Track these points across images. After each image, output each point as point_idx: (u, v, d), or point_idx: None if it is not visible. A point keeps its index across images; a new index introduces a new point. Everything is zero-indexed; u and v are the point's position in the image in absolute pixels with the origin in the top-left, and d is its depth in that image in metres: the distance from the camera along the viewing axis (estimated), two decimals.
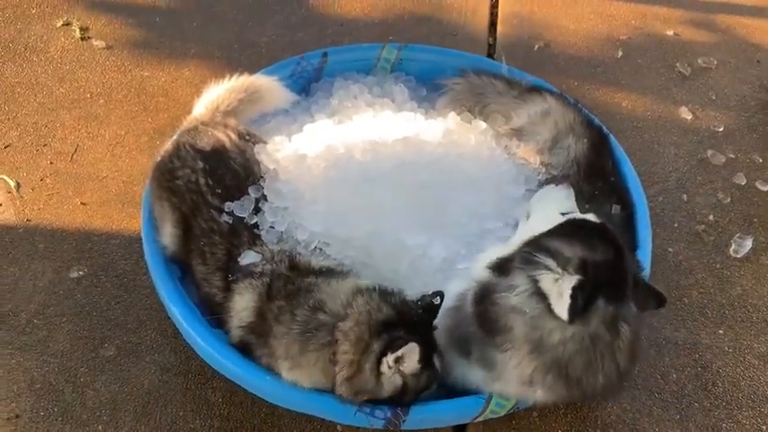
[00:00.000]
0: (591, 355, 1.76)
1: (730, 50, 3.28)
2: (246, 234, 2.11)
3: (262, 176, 2.23)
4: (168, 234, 2.20)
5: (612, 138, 2.50)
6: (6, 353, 2.28)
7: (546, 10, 3.42)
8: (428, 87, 2.76)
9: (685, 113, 3.03)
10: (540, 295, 1.72)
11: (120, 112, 2.94)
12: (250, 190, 2.18)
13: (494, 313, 1.79)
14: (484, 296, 1.82)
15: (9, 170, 2.74)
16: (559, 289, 1.69)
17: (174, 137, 2.35)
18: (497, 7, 3.41)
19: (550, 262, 1.71)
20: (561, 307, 1.68)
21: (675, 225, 2.67)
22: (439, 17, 3.36)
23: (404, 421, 1.90)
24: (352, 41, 3.15)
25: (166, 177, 2.23)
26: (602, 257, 1.72)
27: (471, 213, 2.24)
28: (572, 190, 1.95)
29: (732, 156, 2.89)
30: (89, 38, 3.19)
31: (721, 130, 2.98)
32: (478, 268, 1.89)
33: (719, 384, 2.28)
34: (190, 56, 3.15)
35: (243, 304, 2.01)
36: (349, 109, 2.56)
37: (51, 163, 2.77)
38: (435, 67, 2.77)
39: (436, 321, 1.92)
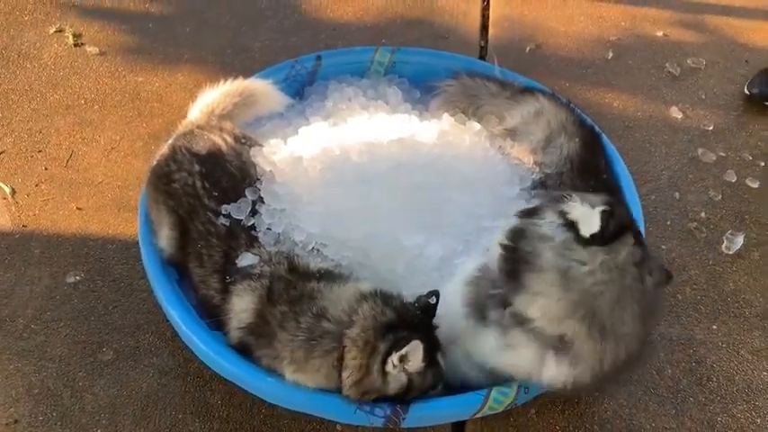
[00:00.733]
0: (619, 289, 1.75)
1: (719, 51, 3.31)
2: (244, 236, 2.12)
3: (258, 179, 2.23)
4: (165, 237, 2.21)
5: (604, 137, 2.52)
6: (4, 358, 2.28)
7: (536, 12, 3.44)
8: (421, 89, 2.77)
9: (676, 113, 3.06)
10: (570, 226, 1.77)
11: (114, 118, 2.94)
12: (247, 192, 2.18)
13: (522, 247, 1.81)
14: (513, 238, 1.84)
15: (4, 176, 2.74)
16: (589, 215, 1.75)
17: (170, 141, 2.35)
18: (488, 10, 3.43)
19: (578, 199, 1.79)
20: (591, 228, 1.73)
21: (668, 223, 2.70)
22: (431, 20, 3.37)
23: (403, 419, 1.91)
24: (345, 45, 3.16)
25: (163, 181, 2.23)
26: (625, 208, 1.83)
27: (467, 213, 2.26)
28: None
29: (722, 154, 2.92)
30: (82, 44, 3.19)
31: (711, 128, 3.01)
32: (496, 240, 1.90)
33: (714, 379, 2.31)
34: (183, 61, 3.16)
35: (242, 306, 2.01)
36: (344, 111, 2.57)
37: (46, 169, 2.77)
38: (428, 69, 2.78)
39: (446, 312, 1.93)
